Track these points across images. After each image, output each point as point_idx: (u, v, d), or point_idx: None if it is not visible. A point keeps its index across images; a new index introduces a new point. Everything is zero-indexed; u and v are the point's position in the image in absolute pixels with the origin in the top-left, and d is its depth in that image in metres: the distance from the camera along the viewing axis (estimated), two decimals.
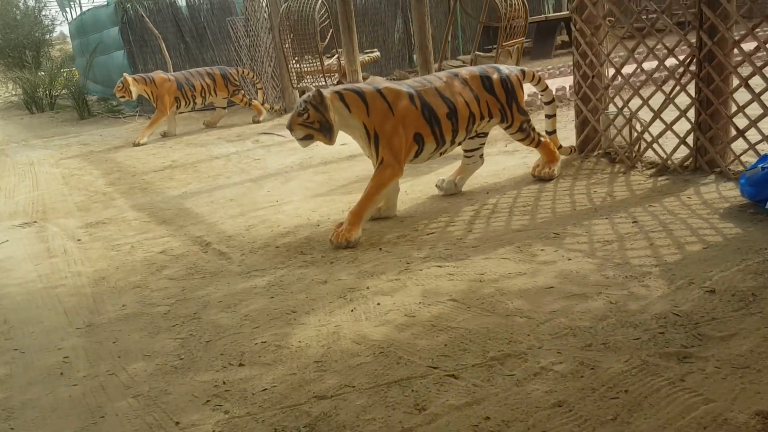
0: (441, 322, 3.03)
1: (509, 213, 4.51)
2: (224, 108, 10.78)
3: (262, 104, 10.85)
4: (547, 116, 5.29)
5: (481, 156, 5.17)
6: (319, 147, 7.99)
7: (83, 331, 3.51)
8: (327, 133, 4.28)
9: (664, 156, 4.87)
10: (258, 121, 10.51)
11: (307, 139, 4.36)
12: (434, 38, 15.31)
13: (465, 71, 4.78)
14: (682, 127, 4.81)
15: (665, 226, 3.85)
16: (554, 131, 5.29)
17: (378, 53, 12.86)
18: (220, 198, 6.15)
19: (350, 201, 5.37)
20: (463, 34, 14.98)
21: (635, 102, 5.09)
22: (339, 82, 11.97)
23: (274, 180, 6.59)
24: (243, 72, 10.79)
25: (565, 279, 3.32)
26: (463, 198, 5.05)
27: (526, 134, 5.01)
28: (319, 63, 10.92)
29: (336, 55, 11.41)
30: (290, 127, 4.34)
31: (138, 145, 9.63)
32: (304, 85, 11.05)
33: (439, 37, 14.87)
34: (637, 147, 5.12)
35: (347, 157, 7.17)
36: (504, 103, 4.81)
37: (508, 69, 4.89)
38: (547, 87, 5.19)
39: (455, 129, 4.62)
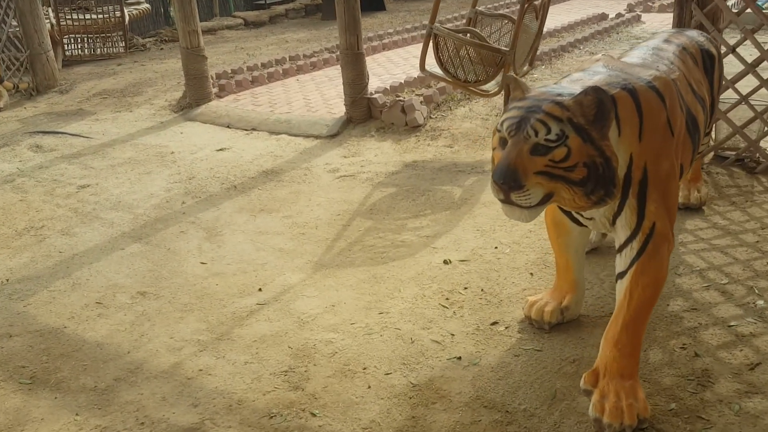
0: None
1: (754, 290, 2.64)
2: None
3: (1, 83, 6.99)
4: None
5: None
6: (172, 156, 4.73)
7: None
8: (602, 188, 1.88)
9: None
10: None
11: (542, 204, 1.89)
12: None
13: (686, 39, 2.68)
14: None
15: None
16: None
17: (147, 5, 9.49)
18: (123, 308, 3.08)
19: (439, 287, 2.94)
20: None
21: None
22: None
23: (187, 236, 3.63)
24: None
25: None
26: None
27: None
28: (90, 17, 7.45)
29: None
30: (517, 179, 1.81)
31: None
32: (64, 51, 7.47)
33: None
34: None
35: (260, 171, 4.43)
36: (715, 96, 2.86)
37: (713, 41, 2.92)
38: None
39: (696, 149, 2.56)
